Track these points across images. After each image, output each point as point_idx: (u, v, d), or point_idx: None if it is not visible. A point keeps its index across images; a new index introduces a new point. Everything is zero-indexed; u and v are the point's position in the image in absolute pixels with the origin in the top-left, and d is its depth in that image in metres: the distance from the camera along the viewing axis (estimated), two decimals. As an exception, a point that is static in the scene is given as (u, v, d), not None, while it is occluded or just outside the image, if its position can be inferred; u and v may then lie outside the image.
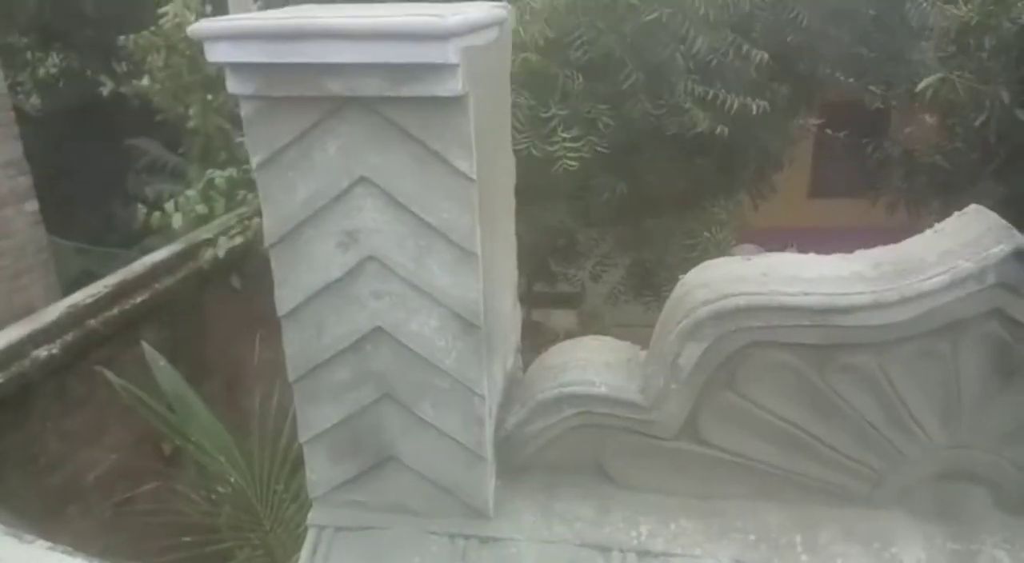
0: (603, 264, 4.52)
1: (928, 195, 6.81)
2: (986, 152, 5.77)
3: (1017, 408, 1.35)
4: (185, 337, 4.21)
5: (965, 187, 6.26)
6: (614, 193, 3.60)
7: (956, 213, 1.42)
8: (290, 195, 1.33)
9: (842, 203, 8.65)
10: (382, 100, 1.23)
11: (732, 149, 4.50)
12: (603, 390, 1.46)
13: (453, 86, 1.19)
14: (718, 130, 3.41)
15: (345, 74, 1.22)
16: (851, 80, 5.44)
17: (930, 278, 1.28)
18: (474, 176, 1.25)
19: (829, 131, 6.15)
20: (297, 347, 1.43)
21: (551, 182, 3.22)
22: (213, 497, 3.55)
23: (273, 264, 1.39)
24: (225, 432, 3.52)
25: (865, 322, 1.32)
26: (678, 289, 1.47)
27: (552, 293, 5.44)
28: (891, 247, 1.44)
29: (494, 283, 1.47)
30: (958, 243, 1.32)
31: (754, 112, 3.47)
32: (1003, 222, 1.29)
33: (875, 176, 7.30)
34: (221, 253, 4.36)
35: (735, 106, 3.38)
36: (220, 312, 4.58)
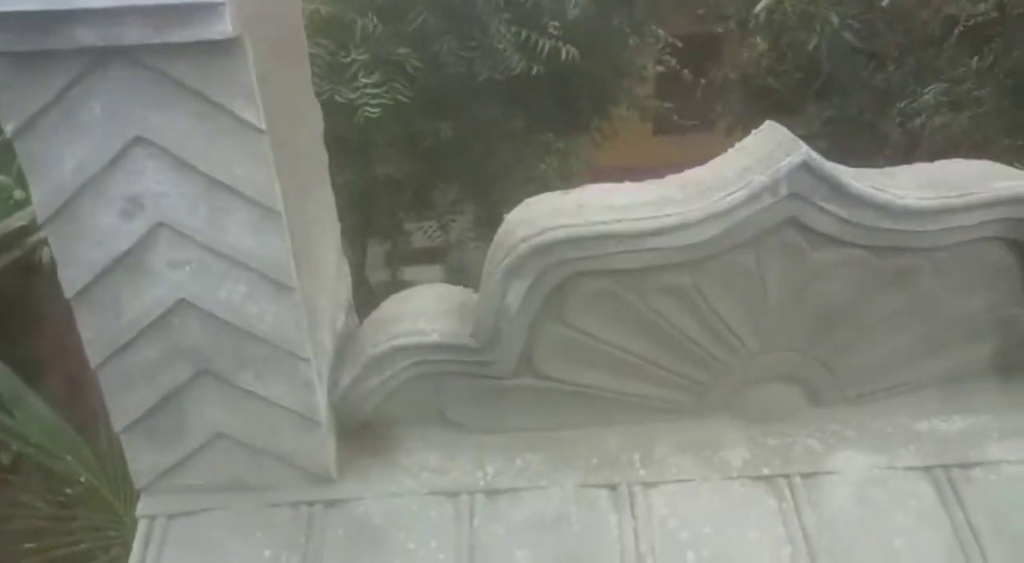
0: (451, 212, 4.48)
1: (763, 117, 7.19)
2: (816, 74, 6.15)
3: (817, 309, 1.45)
4: (15, 334, 3.83)
5: (797, 108, 6.68)
6: (439, 137, 3.53)
7: (754, 131, 1.48)
8: (58, 164, 1.19)
9: (687, 138, 9.02)
10: (147, 49, 1.11)
11: (564, 86, 4.53)
12: (435, 338, 1.44)
13: (222, 28, 1.08)
14: (534, 71, 3.41)
15: (98, 21, 1.08)
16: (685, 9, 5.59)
17: (730, 195, 1.33)
18: (263, 126, 1.17)
19: (668, 64, 6.33)
20: (94, 330, 1.31)
21: (369, 131, 3.12)
22: (61, 500, 3.32)
23: (52, 242, 1.25)
24: (72, 431, 3.27)
25: (675, 243, 1.36)
26: (501, 228, 1.46)
27: (418, 249, 5.37)
28: (698, 168, 1.48)
29: (308, 240, 1.40)
30: (754, 159, 1.37)
31: (563, 57, 3.48)
32: (792, 136, 1.35)
33: (714, 102, 7.64)
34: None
35: (546, 49, 3.38)
36: (53, 304, 4.19)
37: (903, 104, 4.25)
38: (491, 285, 1.40)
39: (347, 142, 3.66)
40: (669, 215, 1.35)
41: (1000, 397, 1.55)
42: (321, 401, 1.42)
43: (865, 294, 1.44)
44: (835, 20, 4.59)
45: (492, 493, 1.48)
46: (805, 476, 1.48)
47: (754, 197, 1.33)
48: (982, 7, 3.53)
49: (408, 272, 5.87)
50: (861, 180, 1.34)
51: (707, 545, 1.39)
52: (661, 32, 5.86)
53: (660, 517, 1.44)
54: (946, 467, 1.48)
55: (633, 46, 6.32)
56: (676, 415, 1.56)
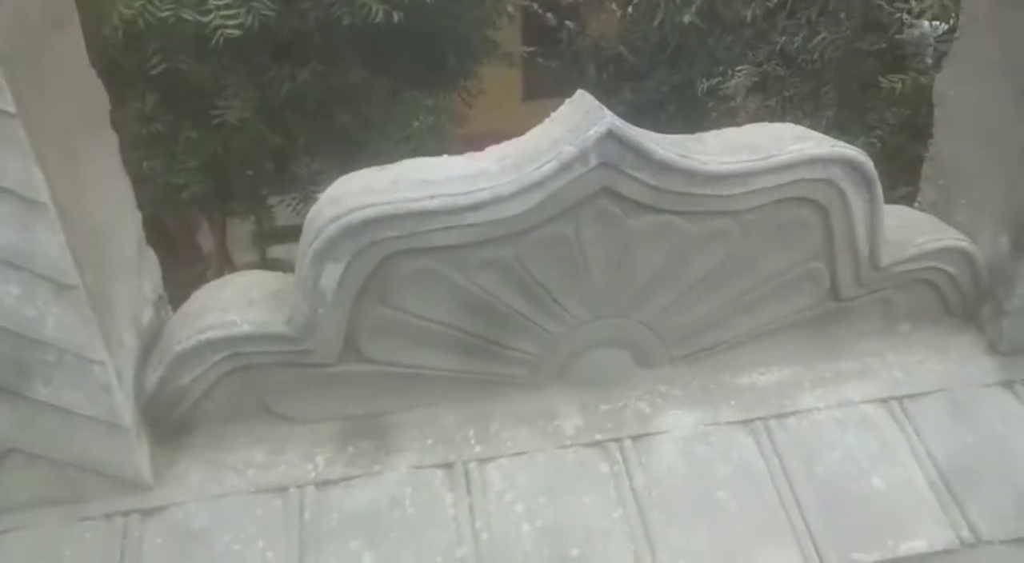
0: (315, 181, 4.28)
1: (618, 84, 7.42)
2: (662, 43, 6.33)
3: (637, 275, 1.47)
4: None
5: (647, 75, 6.88)
6: (295, 81, 3.36)
7: (567, 100, 1.47)
8: None
9: (554, 103, 9.14)
10: None
11: (431, 40, 4.43)
12: (246, 328, 1.36)
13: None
14: (396, 19, 3.32)
15: None
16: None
17: (542, 166, 1.32)
18: (12, 109, 1.04)
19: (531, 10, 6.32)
20: None
21: (220, 73, 2.91)
22: None
23: None
24: None
25: (492, 217, 1.34)
26: (313, 207, 1.39)
27: (286, 226, 5.14)
28: (516, 140, 1.46)
29: (96, 232, 1.28)
30: (566, 129, 1.37)
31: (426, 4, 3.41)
32: (598, 105, 1.36)
33: (573, 71, 7.75)
34: None
35: None
36: None
37: (712, 82, 4.46)
38: (303, 270, 1.33)
39: (194, 88, 3.39)
40: (483, 189, 1.33)
41: (811, 348, 1.64)
42: (125, 404, 1.32)
43: (681, 258, 1.48)
44: None
45: (323, 484, 1.43)
46: (635, 438, 1.52)
47: (565, 168, 1.32)
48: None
49: (277, 250, 5.60)
50: (667, 147, 1.36)
51: (541, 515, 1.41)
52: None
53: (496, 492, 1.44)
54: (764, 419, 1.56)
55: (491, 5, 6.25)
56: (511, 389, 1.56)
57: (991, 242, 1.64)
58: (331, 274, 1.34)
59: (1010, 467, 1.50)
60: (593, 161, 1.33)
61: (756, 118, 4.79)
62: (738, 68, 4.52)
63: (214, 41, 2.80)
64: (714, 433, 1.53)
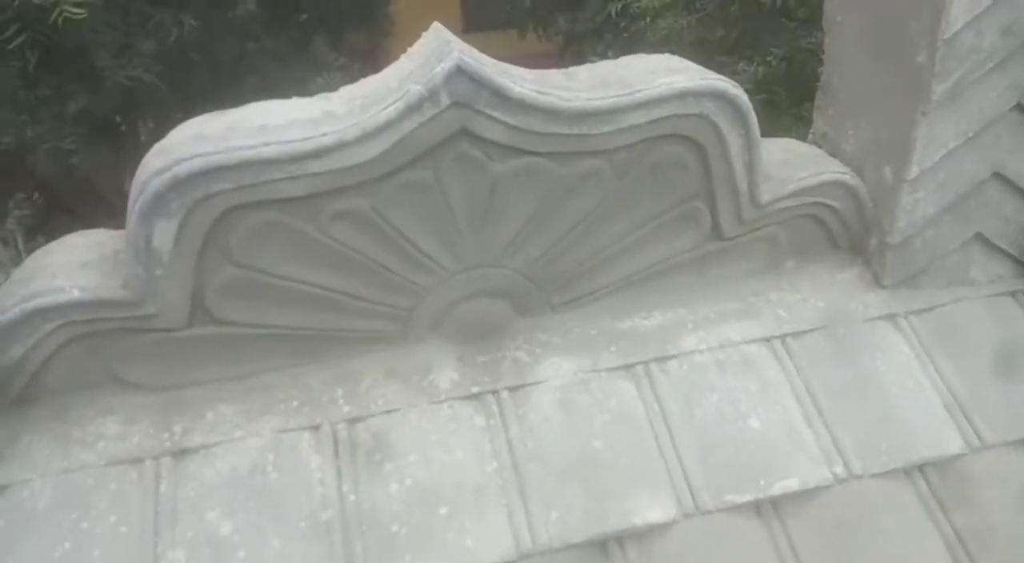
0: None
1: (553, 13, 7.20)
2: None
3: (507, 221, 1.40)
4: None
5: (580, 4, 6.67)
6: (182, 29, 3.16)
7: (424, 33, 1.36)
8: None
9: (496, 36, 8.90)
10: None
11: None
12: (76, 295, 1.26)
13: None
14: None
15: None
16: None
17: (387, 108, 1.22)
18: None
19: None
20: None
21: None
22: None
23: None
24: None
25: (338, 164, 1.24)
26: (143, 159, 1.27)
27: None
28: (371, 78, 1.36)
29: None
30: (415, 66, 1.26)
31: None
32: (448, 38, 1.25)
33: (513, 3, 7.49)
34: None
35: None
36: None
37: (623, 3, 4.34)
38: (131, 229, 1.23)
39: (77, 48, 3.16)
40: (326, 134, 1.23)
41: (694, 289, 1.60)
42: (-54, 382, 1.21)
43: (553, 202, 1.41)
44: None
45: (180, 454, 1.35)
46: (512, 389, 1.47)
47: (414, 108, 1.23)
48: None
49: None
50: (525, 83, 1.27)
51: (411, 474, 1.36)
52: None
53: (365, 452, 1.38)
54: (645, 363, 1.52)
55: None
56: (383, 344, 1.49)
57: (875, 173, 1.60)
58: (164, 232, 1.23)
59: (886, 401, 1.50)
60: (445, 100, 1.24)
61: (667, 38, 4.70)
62: None
63: (54, 18, 2.58)
64: (594, 380, 1.49)
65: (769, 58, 3.26)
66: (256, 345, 1.42)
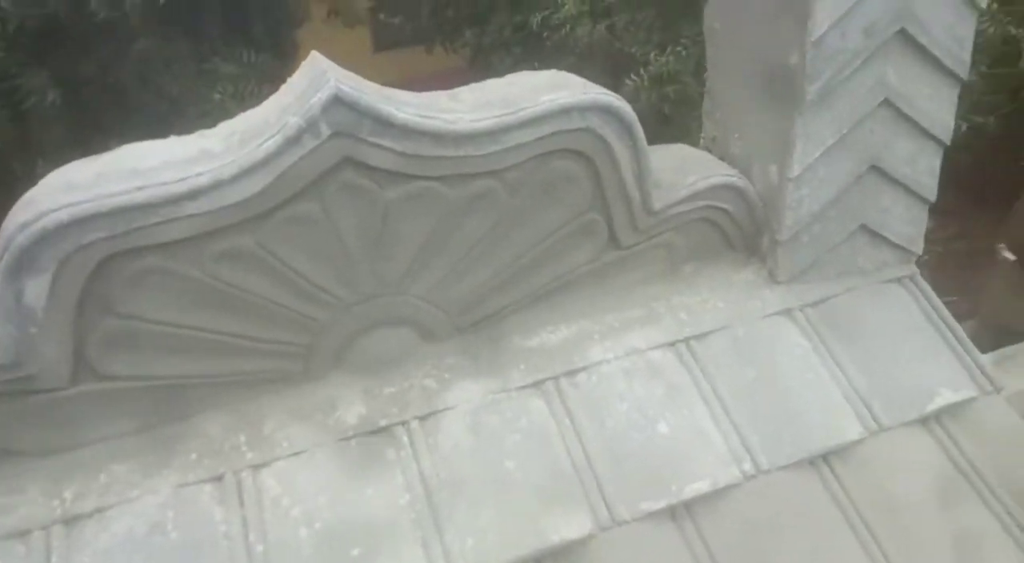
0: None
1: (460, 28, 7.23)
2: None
3: (402, 248, 1.38)
4: None
5: (487, 18, 6.72)
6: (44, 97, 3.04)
7: (304, 62, 1.33)
8: None
9: (405, 53, 8.88)
10: None
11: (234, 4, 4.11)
12: (-60, 362, 1.17)
13: None
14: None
15: None
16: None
17: (264, 143, 1.19)
18: None
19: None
20: None
21: None
22: None
23: None
24: None
25: (216, 204, 1.20)
26: (10, 212, 1.20)
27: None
28: (250, 111, 1.32)
29: None
30: (293, 97, 1.23)
31: None
32: (325, 67, 1.23)
33: (420, 20, 7.49)
34: None
35: None
36: None
37: (544, 15, 4.42)
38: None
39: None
40: (201, 174, 1.18)
41: (597, 300, 1.61)
42: None
43: (448, 225, 1.39)
44: None
45: (72, 521, 1.27)
46: (422, 418, 1.45)
47: (292, 141, 1.20)
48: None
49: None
50: (408, 108, 1.26)
51: (320, 516, 1.32)
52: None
53: (272, 498, 1.33)
54: (555, 378, 1.52)
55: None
56: (284, 384, 1.44)
57: (762, 173, 1.65)
58: (35, 288, 1.16)
59: (788, 395, 1.55)
60: (325, 131, 1.21)
61: (588, 47, 4.80)
62: None
63: None
64: (504, 401, 1.48)
65: (679, 48, 3.32)
66: (148, 398, 1.35)
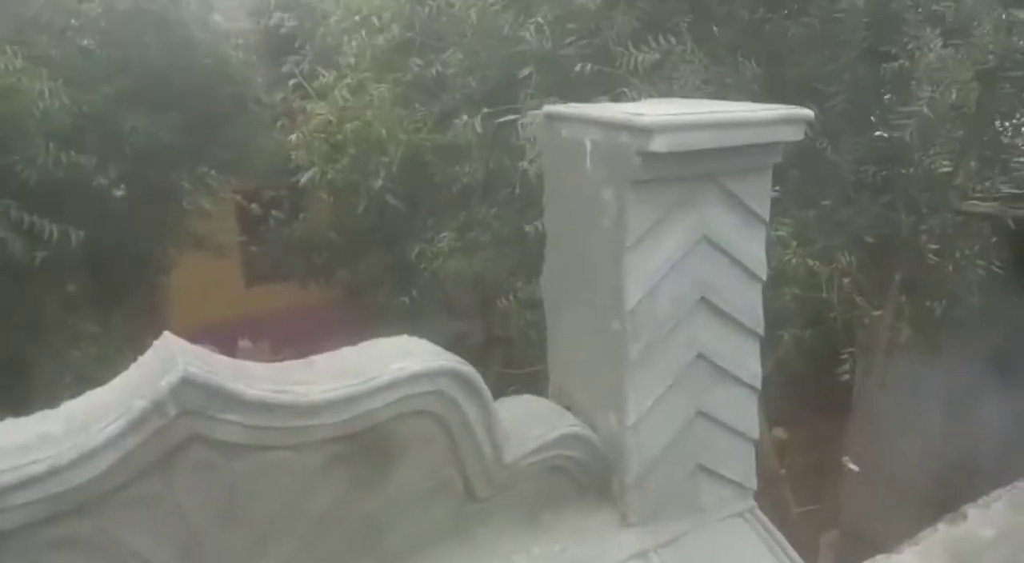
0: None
1: (333, 267, 7.55)
2: (375, 226, 6.59)
3: (251, 520, 1.36)
4: None
5: (360, 256, 7.09)
6: None
7: (155, 343, 1.38)
8: None
9: (278, 287, 9.05)
10: None
11: (101, 263, 4.17)
12: None
13: None
14: (38, 260, 3.07)
15: None
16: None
17: (107, 426, 1.19)
18: None
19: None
20: None
21: None
22: None
23: None
24: None
25: (51, 491, 1.16)
26: None
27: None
28: (97, 391, 1.33)
29: None
30: (142, 378, 1.27)
31: (73, 242, 3.23)
32: (177, 349, 1.28)
33: (293, 258, 7.80)
34: None
35: (55, 234, 3.08)
36: None
37: (421, 247, 4.77)
38: None
39: None
40: (36, 462, 1.16)
41: (457, 556, 1.61)
42: None
43: (299, 493, 1.40)
44: (377, 185, 5.04)
45: None
46: None
47: (139, 424, 1.21)
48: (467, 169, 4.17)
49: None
50: (259, 384, 1.31)
51: None
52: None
53: None
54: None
55: (190, 209, 6.16)
56: None
57: (604, 422, 1.78)
58: None
59: (648, 645, 1.55)
60: (172, 411, 1.23)
61: (458, 278, 5.13)
62: (441, 234, 4.84)
63: None
64: None
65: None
66: None
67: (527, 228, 3.91)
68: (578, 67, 3.29)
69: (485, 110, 3.76)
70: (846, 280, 4.00)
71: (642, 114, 1.57)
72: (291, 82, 5.79)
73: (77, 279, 4.05)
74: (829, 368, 4.47)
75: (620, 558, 1.70)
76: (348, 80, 5.06)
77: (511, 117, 3.41)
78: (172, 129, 4.56)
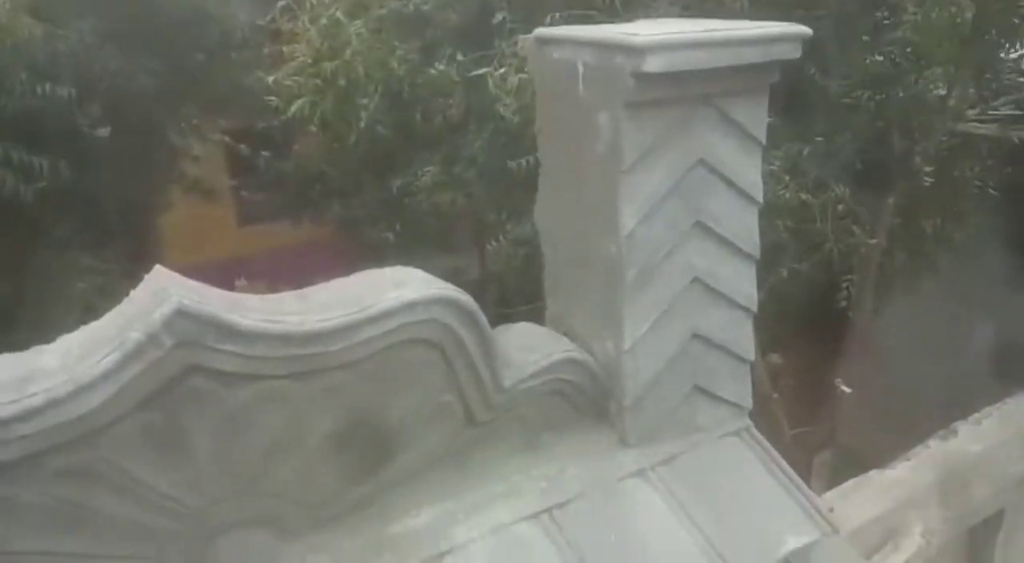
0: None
1: (328, 200, 7.47)
2: (366, 159, 6.49)
3: (255, 447, 1.38)
4: None
5: (354, 191, 7.01)
6: None
7: (147, 276, 1.37)
8: None
9: (272, 227, 9.01)
10: None
11: (92, 199, 4.14)
12: None
13: None
14: (30, 194, 3.03)
15: None
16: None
17: (103, 359, 1.19)
18: None
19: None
20: None
21: None
22: None
23: None
24: None
25: (50, 423, 1.17)
26: None
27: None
28: (92, 324, 1.32)
29: None
30: (135, 312, 1.26)
31: (63, 175, 3.19)
32: (168, 281, 1.27)
33: (286, 194, 7.72)
34: None
35: (44, 167, 3.04)
36: None
37: (404, 181, 4.73)
38: None
39: None
40: (34, 395, 1.17)
41: (459, 478, 1.65)
42: None
43: (301, 420, 1.41)
44: (363, 118, 4.94)
45: None
46: (281, 626, 1.38)
47: (134, 355, 1.21)
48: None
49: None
50: (254, 314, 1.31)
51: None
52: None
53: None
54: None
55: (179, 150, 6.07)
56: (132, 604, 1.35)
57: (601, 347, 1.80)
58: None
59: (646, 554, 1.60)
60: (167, 342, 1.23)
61: (445, 214, 5.10)
62: (425, 168, 4.80)
63: None
64: (369, 594, 1.45)
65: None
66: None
67: (511, 164, 3.87)
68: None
69: (460, 58, 3.69)
70: (840, 207, 3.99)
71: (636, 34, 1.52)
72: (267, 19, 5.60)
73: (71, 220, 4.01)
74: (826, 297, 4.50)
75: (619, 476, 1.74)
76: (323, 20, 4.89)
77: (484, 70, 3.36)
78: (151, 69, 4.44)
